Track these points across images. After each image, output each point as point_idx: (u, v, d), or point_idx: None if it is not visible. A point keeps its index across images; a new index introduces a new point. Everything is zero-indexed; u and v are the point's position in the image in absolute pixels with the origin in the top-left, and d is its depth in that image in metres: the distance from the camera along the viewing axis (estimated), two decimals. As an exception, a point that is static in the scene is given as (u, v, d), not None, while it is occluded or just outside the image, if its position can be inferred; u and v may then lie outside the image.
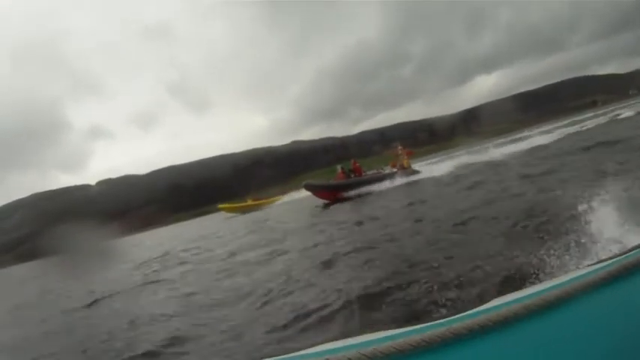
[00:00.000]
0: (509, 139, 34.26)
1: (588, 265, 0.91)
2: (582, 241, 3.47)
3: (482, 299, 0.92)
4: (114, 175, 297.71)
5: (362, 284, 4.07)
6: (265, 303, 4.55)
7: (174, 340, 4.04)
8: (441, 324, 0.71)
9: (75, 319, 6.53)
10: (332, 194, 18.65)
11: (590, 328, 0.67)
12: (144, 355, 3.86)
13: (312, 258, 6.25)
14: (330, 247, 6.83)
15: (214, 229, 21.18)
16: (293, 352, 0.77)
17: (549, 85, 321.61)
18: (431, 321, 0.76)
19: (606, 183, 4.83)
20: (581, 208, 4.05)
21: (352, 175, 19.71)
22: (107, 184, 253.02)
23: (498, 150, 20.84)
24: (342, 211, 13.55)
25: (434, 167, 21.14)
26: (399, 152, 22.30)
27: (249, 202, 35.40)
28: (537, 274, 3.17)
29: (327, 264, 5.51)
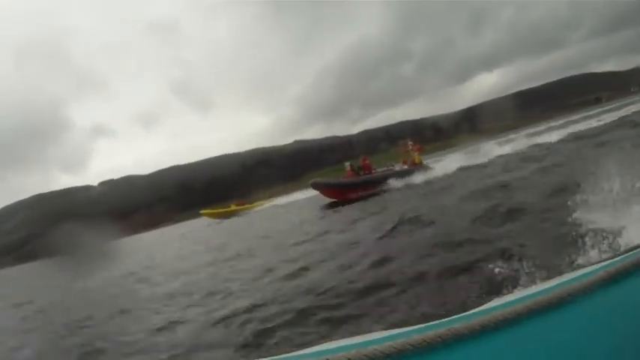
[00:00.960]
0: (525, 132, 34.31)
1: (588, 265, 0.91)
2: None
3: (483, 299, 0.83)
4: (115, 176, 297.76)
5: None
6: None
7: None
8: (442, 324, 0.71)
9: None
10: (341, 193, 17.84)
11: (590, 328, 0.67)
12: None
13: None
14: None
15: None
16: (293, 352, 0.76)
17: (550, 83, 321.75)
18: (431, 321, 0.76)
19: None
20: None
21: (362, 173, 18.93)
22: (109, 185, 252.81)
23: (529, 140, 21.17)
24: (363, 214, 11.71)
25: (443, 164, 20.19)
26: (410, 148, 21.55)
27: (233, 207, 35.20)
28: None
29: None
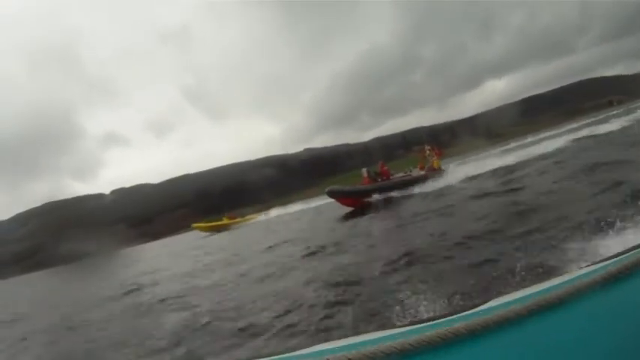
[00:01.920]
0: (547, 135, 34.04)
1: (588, 265, 0.91)
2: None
3: (483, 299, 0.85)
4: (126, 184, 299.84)
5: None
6: None
7: None
8: (442, 324, 0.71)
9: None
10: (359, 201, 17.02)
11: (590, 328, 0.67)
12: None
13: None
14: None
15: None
16: (293, 351, 0.77)
17: (559, 88, 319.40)
18: (431, 321, 0.77)
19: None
20: None
21: (379, 179, 18.10)
22: (121, 193, 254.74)
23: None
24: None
25: (464, 168, 19.14)
26: (427, 153, 20.71)
27: (225, 221, 35.00)
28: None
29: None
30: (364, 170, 18.63)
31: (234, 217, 36.75)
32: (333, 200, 18.31)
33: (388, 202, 15.43)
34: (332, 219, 15.75)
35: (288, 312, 4.55)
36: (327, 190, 18.02)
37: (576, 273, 0.85)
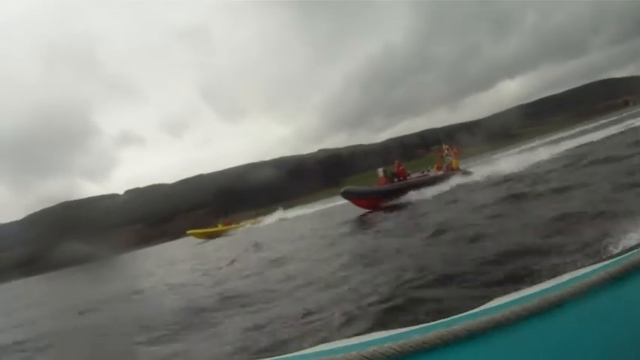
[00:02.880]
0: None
1: (588, 265, 0.90)
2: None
3: (483, 300, 0.85)
4: (140, 184, 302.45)
5: None
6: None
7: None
8: (442, 324, 0.71)
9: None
10: (375, 202, 16.43)
11: (590, 328, 0.67)
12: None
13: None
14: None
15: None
16: (293, 352, 0.77)
17: (573, 89, 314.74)
18: (431, 322, 0.76)
19: None
20: None
21: (396, 180, 17.47)
22: (135, 193, 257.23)
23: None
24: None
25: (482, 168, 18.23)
26: (445, 153, 19.99)
27: (219, 227, 35.19)
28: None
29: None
30: (380, 170, 18.11)
31: (230, 224, 37.09)
32: (348, 202, 17.73)
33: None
34: (337, 225, 14.50)
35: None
36: (341, 190, 17.48)
37: (576, 273, 0.84)
